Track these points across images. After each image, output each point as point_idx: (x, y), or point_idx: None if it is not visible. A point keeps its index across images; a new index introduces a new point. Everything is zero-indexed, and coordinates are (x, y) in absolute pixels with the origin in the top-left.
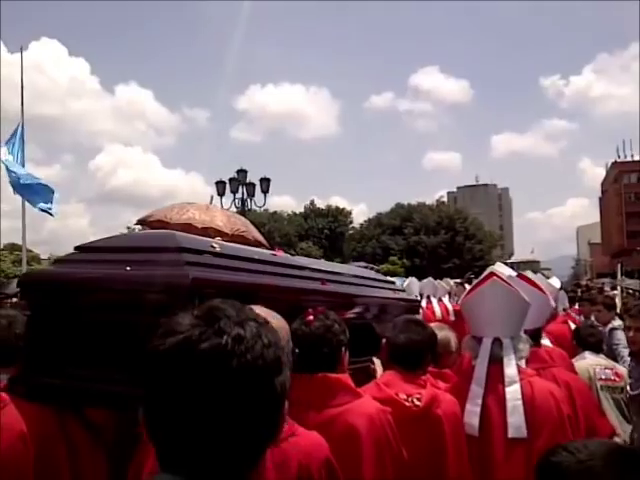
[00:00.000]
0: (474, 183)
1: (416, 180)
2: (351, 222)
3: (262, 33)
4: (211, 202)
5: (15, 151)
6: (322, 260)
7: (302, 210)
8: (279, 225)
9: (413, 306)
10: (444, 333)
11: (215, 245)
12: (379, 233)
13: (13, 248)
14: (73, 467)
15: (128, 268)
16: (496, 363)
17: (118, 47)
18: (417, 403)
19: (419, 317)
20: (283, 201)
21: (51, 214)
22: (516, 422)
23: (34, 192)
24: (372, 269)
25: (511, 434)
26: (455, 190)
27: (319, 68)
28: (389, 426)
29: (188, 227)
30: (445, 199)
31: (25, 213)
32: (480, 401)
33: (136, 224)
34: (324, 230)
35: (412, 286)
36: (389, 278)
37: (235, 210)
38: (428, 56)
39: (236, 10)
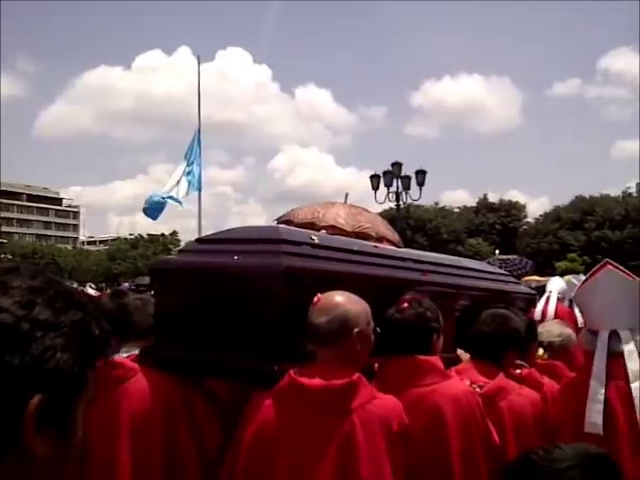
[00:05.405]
0: None
1: (602, 171)
2: (525, 217)
3: (436, 25)
4: (346, 200)
5: (194, 155)
6: (433, 253)
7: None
8: (447, 221)
9: (526, 299)
10: (564, 330)
11: (314, 237)
12: (556, 228)
13: None
14: (192, 433)
15: (236, 257)
16: (615, 357)
17: (296, 51)
18: (477, 390)
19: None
20: (458, 195)
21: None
22: None
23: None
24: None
25: None
26: None
27: (499, 56)
28: (478, 408)
29: (311, 226)
30: (633, 190)
31: (201, 213)
32: (602, 397)
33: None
34: (495, 225)
35: (551, 284)
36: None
37: (391, 204)
38: (619, 35)
39: (408, 4)
